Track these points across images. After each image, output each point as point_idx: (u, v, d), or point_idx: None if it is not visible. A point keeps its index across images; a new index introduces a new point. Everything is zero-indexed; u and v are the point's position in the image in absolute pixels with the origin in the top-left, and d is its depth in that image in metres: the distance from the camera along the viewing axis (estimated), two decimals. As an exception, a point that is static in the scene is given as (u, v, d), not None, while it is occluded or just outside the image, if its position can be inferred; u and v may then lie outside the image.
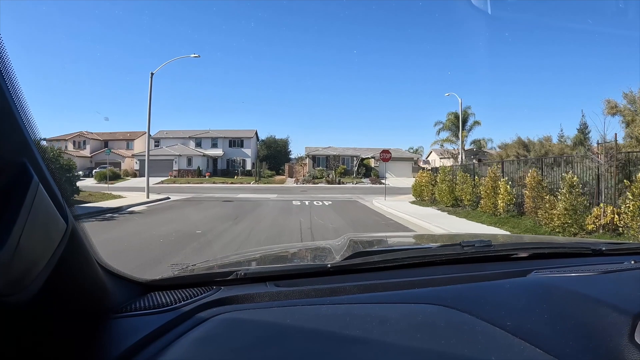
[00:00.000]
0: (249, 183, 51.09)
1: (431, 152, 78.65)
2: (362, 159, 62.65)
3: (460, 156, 60.83)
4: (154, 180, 49.14)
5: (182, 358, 0.94)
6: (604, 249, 1.76)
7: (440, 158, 72.23)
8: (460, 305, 1.13)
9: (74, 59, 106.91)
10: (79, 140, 71.72)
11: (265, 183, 51.25)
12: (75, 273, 0.91)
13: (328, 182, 52.06)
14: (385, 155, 27.45)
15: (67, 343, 0.88)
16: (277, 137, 76.92)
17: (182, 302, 1.22)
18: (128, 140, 73.73)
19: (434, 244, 1.86)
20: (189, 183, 50.10)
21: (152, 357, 0.94)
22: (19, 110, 0.73)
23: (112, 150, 64.59)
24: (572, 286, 1.24)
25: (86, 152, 69.79)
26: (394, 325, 1.05)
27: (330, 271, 1.45)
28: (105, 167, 53.62)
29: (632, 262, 1.55)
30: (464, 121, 59.13)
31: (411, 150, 78.89)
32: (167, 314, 1.14)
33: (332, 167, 56.75)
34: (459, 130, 59.38)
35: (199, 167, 59.80)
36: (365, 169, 60.41)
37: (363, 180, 56.17)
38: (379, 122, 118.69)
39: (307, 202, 25.28)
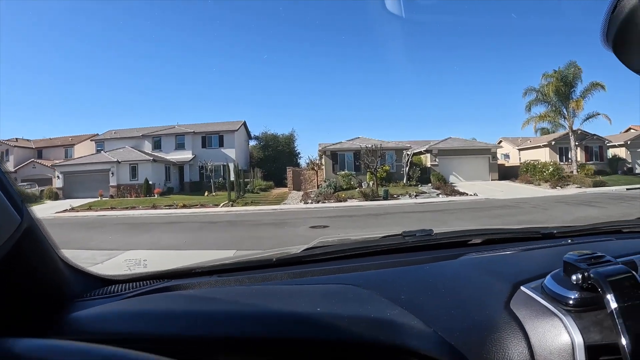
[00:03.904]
0: (218, 205, 29.45)
1: (500, 141, 58.09)
2: (413, 154, 41.28)
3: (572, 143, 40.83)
4: (67, 205, 32.39)
5: (105, 312, 1.24)
6: (555, 232, 1.94)
7: (520, 149, 52.95)
8: (367, 285, 1.35)
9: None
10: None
11: (247, 204, 29.69)
12: (34, 259, 1.12)
13: (365, 196, 29.90)
14: None
15: (30, 312, 1.14)
16: (278, 134, 58.93)
17: (131, 290, 1.45)
18: (67, 146, 57.17)
19: (380, 236, 2.01)
20: (112, 208, 29.93)
21: (87, 314, 1.23)
22: None
23: (42, 162, 51.37)
24: (481, 264, 1.52)
25: (9, 164, 52.29)
26: (303, 296, 1.30)
27: (276, 264, 1.67)
28: (27, 185, 42.85)
29: (569, 240, 1.85)
30: (571, 84, 38.80)
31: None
32: (114, 298, 1.39)
33: (367, 167, 34.10)
34: (568, 100, 39.24)
35: (146, 180, 38.30)
36: (419, 170, 38.75)
37: (422, 188, 34.42)
38: (414, 113, 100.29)
39: None
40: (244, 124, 53.23)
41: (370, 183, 33.81)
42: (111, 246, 13.56)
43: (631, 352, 0.90)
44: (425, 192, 32.62)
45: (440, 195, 31.23)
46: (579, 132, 41.28)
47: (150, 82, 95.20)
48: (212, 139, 48.57)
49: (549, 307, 1.08)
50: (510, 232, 2.01)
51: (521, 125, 46.35)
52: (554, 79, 39.02)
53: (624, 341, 0.92)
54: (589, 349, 0.98)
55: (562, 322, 1.02)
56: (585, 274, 1.06)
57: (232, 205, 28.91)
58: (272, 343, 1.10)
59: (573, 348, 0.98)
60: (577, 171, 39.41)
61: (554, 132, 52.36)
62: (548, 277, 1.18)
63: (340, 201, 29.31)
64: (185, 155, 47.26)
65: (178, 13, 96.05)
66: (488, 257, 1.60)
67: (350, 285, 1.35)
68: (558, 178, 36.48)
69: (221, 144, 48.22)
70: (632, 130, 54.64)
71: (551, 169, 37.74)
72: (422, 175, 38.62)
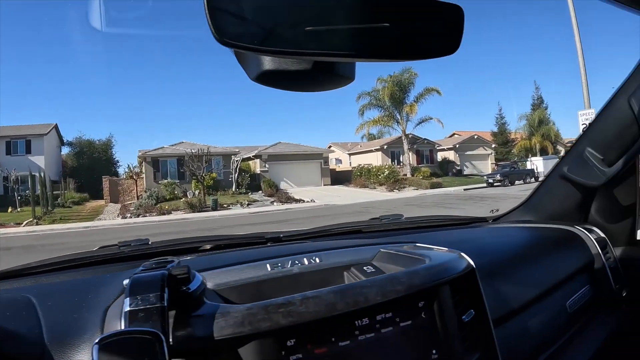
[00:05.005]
0: (21, 223, 25.92)
1: (330, 146, 59.13)
2: (242, 160, 40.50)
3: (405, 147, 43.47)
4: None
5: None
6: (281, 236, 1.93)
7: (350, 154, 55.26)
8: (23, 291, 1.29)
9: None
10: None
11: (56, 221, 26.57)
12: None
13: (192, 207, 28.55)
14: None
15: None
16: (94, 139, 54.09)
17: None
18: None
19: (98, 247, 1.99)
20: None
21: None
22: None
23: None
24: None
25: None
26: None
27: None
28: None
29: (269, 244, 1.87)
30: (405, 89, 40.58)
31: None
32: None
33: (192, 175, 32.78)
34: (402, 105, 41.03)
35: None
36: (249, 177, 38.08)
37: (254, 196, 34.17)
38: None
39: None
40: (56, 127, 47.79)
41: (197, 192, 32.53)
42: None
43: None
44: (258, 201, 32.21)
45: (274, 203, 30.92)
46: (410, 136, 43.59)
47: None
48: (17, 145, 43.03)
49: None
50: (238, 238, 2.03)
51: (355, 130, 48.22)
52: (389, 84, 40.73)
53: None
54: None
55: None
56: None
57: (37, 224, 25.68)
58: None
59: None
60: (411, 174, 41.63)
61: (380, 138, 54.74)
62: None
63: (164, 214, 27.69)
64: (-14, 163, 41.10)
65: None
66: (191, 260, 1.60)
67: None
68: (394, 181, 38.00)
69: (28, 150, 42.88)
70: (456, 135, 60.64)
71: (387, 172, 39.22)
72: (252, 182, 38.13)
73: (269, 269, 1.35)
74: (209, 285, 1.22)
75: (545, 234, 2.21)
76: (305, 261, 1.41)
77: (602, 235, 2.13)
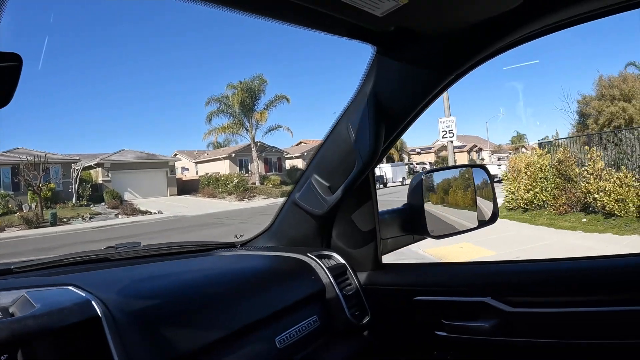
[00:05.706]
0: None
1: (176, 154, 57.82)
2: (82, 169, 38.18)
3: (254, 155, 44.07)
4: None
5: None
6: (12, 267, 1.67)
7: (197, 162, 54.87)
8: None
9: None
10: None
11: None
12: None
13: (28, 223, 26.27)
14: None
15: None
16: None
17: None
18: None
19: None
20: None
21: None
22: None
23: None
24: None
25: None
26: None
27: None
28: None
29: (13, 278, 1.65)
30: (255, 96, 40.92)
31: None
32: None
33: (28, 185, 30.40)
34: (251, 112, 41.24)
35: None
36: (90, 188, 36.18)
37: (97, 208, 32.63)
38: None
39: None
40: None
41: (33, 205, 30.33)
42: None
43: None
44: (102, 213, 30.89)
45: (119, 216, 29.76)
46: (259, 144, 43.80)
47: None
48: None
49: None
50: None
51: (202, 136, 47.44)
52: (239, 90, 40.69)
53: None
54: None
55: None
56: None
57: None
58: None
59: None
60: (261, 182, 42.00)
61: (226, 146, 54.57)
62: None
63: (-7, 235, 25.15)
64: None
65: None
66: None
67: None
68: (243, 190, 38.05)
69: None
70: (302, 144, 62.16)
71: (236, 181, 39.11)
72: (95, 193, 36.51)
73: None
74: None
75: (276, 262, 2.16)
76: None
77: (342, 261, 2.12)
